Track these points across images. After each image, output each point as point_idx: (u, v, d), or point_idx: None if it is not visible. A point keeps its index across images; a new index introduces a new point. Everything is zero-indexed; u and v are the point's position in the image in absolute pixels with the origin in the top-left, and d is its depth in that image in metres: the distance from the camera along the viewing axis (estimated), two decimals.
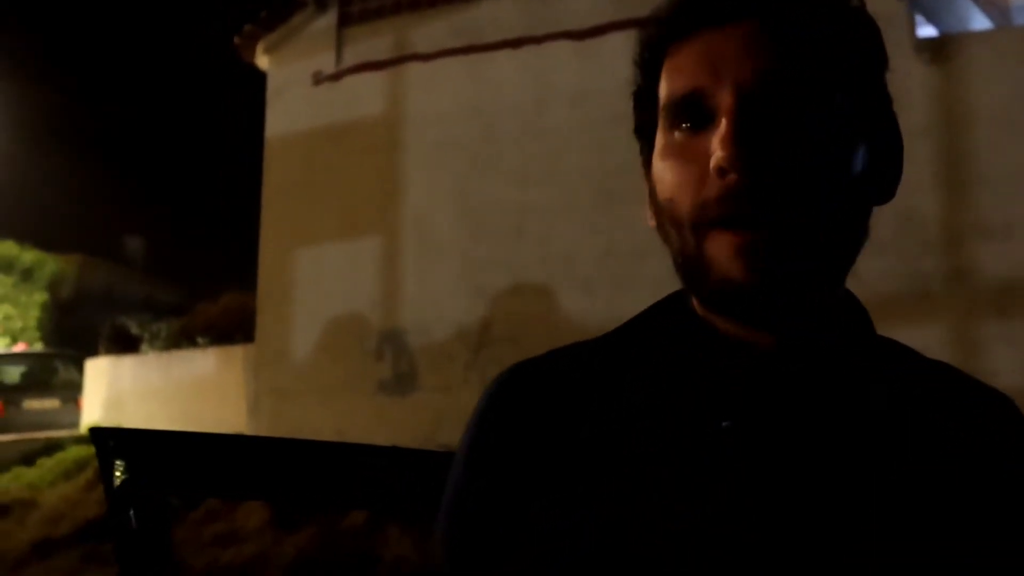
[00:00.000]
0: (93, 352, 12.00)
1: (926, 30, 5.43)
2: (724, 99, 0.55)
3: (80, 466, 7.89)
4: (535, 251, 5.82)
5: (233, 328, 9.23)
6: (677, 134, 0.58)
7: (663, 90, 0.60)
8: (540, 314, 5.62)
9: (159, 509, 0.74)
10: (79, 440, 10.05)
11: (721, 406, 0.57)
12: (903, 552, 0.54)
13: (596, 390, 0.61)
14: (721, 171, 0.54)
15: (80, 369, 12.36)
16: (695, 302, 0.63)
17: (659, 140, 0.61)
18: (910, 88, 4.99)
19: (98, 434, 0.75)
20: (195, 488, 0.83)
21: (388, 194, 6.49)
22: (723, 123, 0.54)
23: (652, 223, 0.63)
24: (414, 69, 6.51)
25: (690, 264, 0.58)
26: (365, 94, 6.74)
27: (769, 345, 0.58)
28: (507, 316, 5.85)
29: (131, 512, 0.72)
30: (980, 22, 6.25)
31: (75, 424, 11.75)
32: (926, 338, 4.73)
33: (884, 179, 0.62)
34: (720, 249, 0.55)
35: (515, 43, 6.13)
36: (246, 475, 0.79)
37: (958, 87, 4.91)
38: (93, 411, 11.00)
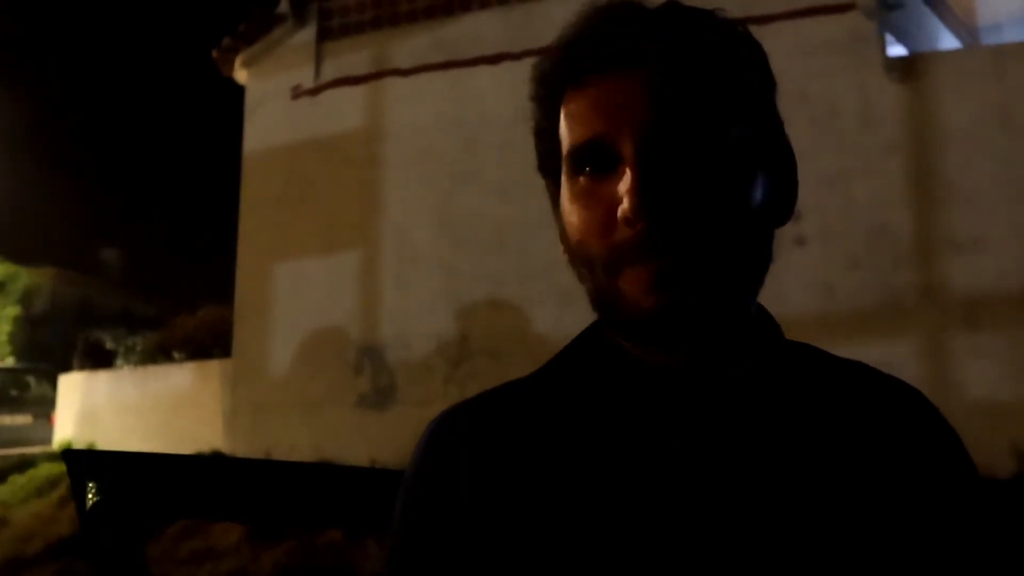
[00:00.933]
0: (67, 367, 11.84)
1: (896, 49, 5.55)
2: (625, 148, 0.57)
3: (52, 483, 7.77)
4: (515, 264, 5.84)
5: (210, 342, 9.15)
6: (582, 179, 0.60)
7: (564, 137, 0.62)
8: (519, 328, 5.64)
9: (133, 530, 0.74)
10: (51, 457, 9.89)
11: (655, 430, 0.60)
12: (832, 552, 0.57)
13: (531, 430, 0.63)
14: (629, 222, 0.56)
15: (53, 384, 12.18)
16: (613, 334, 0.65)
17: (564, 183, 0.62)
18: (880, 106, 5.09)
19: (71, 456, 0.74)
20: (169, 510, 0.81)
21: (367, 207, 6.50)
22: (627, 174, 0.57)
23: (565, 257, 0.66)
24: (394, 83, 6.54)
25: (605, 299, 0.61)
26: (344, 108, 6.74)
27: (685, 367, 0.62)
28: (486, 329, 5.86)
29: (105, 533, 0.72)
30: (949, 42, 6.39)
31: (48, 441, 11.56)
32: (898, 351, 4.81)
33: (781, 202, 0.64)
34: (632, 283, 0.58)
35: (495, 58, 6.18)
36: (220, 496, 0.80)
37: (928, 105, 5.01)
38: (66, 427, 10.83)
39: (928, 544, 0.59)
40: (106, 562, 0.72)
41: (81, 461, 0.74)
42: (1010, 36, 6.38)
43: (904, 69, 5.10)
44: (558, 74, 0.63)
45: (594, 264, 0.60)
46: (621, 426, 0.61)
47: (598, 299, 0.62)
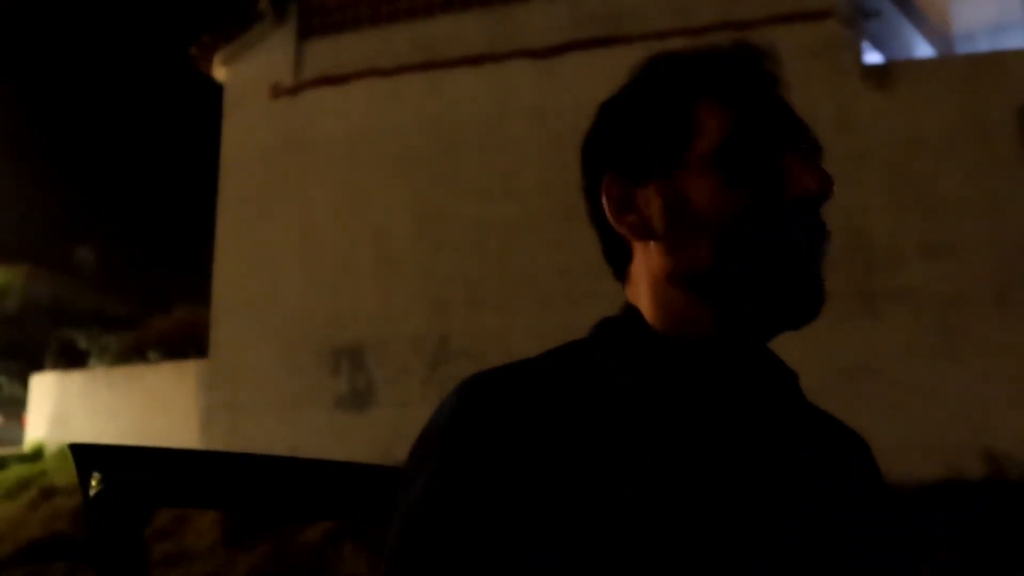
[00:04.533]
0: (39, 367, 11.66)
1: (872, 57, 5.62)
2: (787, 145, 0.73)
3: (23, 485, 7.66)
4: (494, 267, 5.84)
5: (186, 342, 9.06)
6: (737, 152, 0.69)
7: (718, 123, 0.69)
8: (498, 330, 5.64)
9: (135, 520, 0.78)
10: (23, 459, 9.75)
11: (706, 415, 0.65)
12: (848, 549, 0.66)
13: (574, 408, 0.63)
14: (807, 191, 0.68)
15: (25, 384, 12.00)
16: (660, 309, 0.69)
17: (713, 160, 0.68)
18: (857, 112, 5.15)
19: (77, 449, 0.79)
20: (171, 501, 0.88)
21: (346, 208, 6.47)
22: (801, 159, 0.71)
23: (637, 236, 0.70)
24: (374, 84, 6.51)
25: (737, 268, 0.66)
26: (324, 108, 6.71)
27: (727, 357, 0.68)
28: (465, 332, 5.86)
29: (108, 524, 0.77)
30: (924, 50, 6.49)
31: (18, 442, 11.40)
32: (874, 355, 4.87)
33: None
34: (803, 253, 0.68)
35: (475, 60, 6.18)
36: (220, 488, 0.84)
37: (903, 112, 5.08)
38: (38, 428, 10.68)
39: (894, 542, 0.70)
40: (108, 550, 0.76)
41: (87, 453, 0.79)
42: (983, 45, 6.49)
43: (880, 76, 5.17)
44: (706, 79, 0.71)
45: (742, 241, 0.67)
46: (677, 405, 0.65)
47: (723, 270, 0.66)
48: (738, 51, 0.73)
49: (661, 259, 0.68)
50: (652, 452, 0.61)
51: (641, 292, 0.70)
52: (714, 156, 0.68)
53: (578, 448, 0.61)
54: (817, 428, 0.72)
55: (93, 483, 0.77)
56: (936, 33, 6.62)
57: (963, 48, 6.76)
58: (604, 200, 0.71)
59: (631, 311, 0.71)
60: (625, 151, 0.71)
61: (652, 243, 0.69)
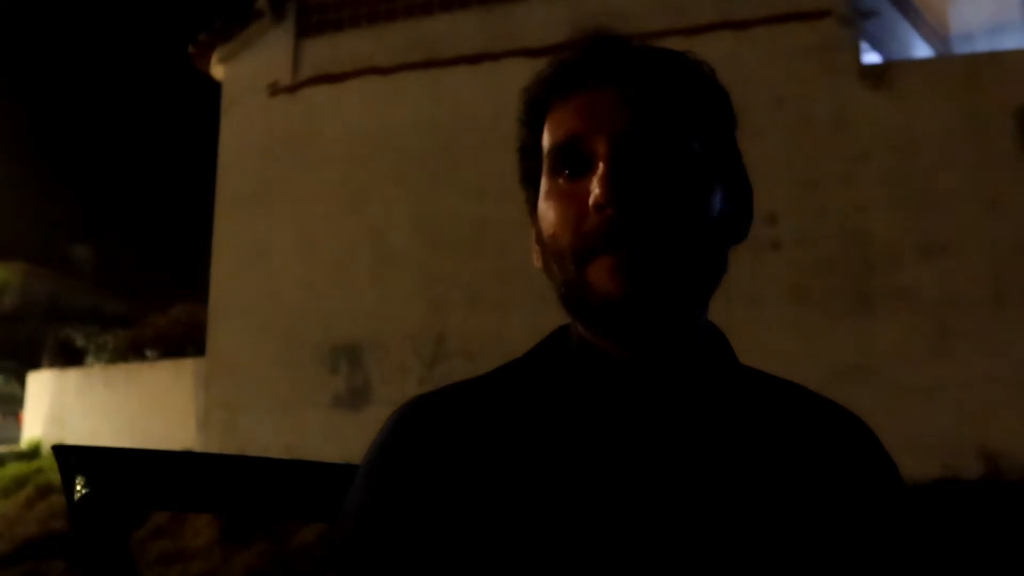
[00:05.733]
0: (36, 364, 11.65)
1: (870, 56, 5.62)
2: (599, 147, 0.65)
3: (20, 483, 7.64)
4: (491, 266, 5.84)
5: (183, 341, 9.06)
6: (560, 180, 0.67)
7: (546, 140, 0.69)
8: (495, 329, 5.64)
9: (121, 523, 0.77)
10: (19, 456, 9.74)
11: (618, 422, 0.65)
12: (764, 556, 0.61)
13: (495, 423, 0.66)
14: (599, 207, 0.62)
15: (22, 382, 11.98)
16: (579, 330, 0.70)
17: (543, 185, 0.69)
18: (854, 112, 5.15)
19: (61, 451, 0.78)
20: (157, 504, 0.86)
21: (344, 207, 6.46)
22: (600, 166, 0.64)
23: (538, 264, 0.72)
24: (372, 82, 6.51)
25: (573, 291, 0.66)
26: (322, 106, 6.70)
27: (647, 363, 0.67)
28: (462, 331, 5.86)
29: (93, 526, 0.76)
30: (922, 50, 6.49)
31: (15, 440, 11.38)
32: (871, 354, 4.87)
33: (737, 222, 0.71)
34: (600, 272, 0.63)
35: (473, 59, 6.17)
36: (208, 491, 0.84)
37: (900, 112, 5.08)
38: (35, 426, 10.67)
39: (855, 556, 0.64)
40: (94, 554, 0.76)
41: (71, 456, 0.78)
42: (981, 46, 6.50)
43: (878, 76, 5.17)
44: (546, 89, 0.71)
45: (564, 256, 0.66)
46: (585, 419, 0.66)
47: (566, 292, 0.67)
48: (588, 50, 0.70)
49: None
50: (541, 465, 0.63)
51: None
52: (544, 174, 0.69)
53: (490, 464, 0.64)
54: (747, 440, 0.66)
55: (78, 486, 0.75)
56: (934, 33, 6.63)
57: (961, 48, 6.77)
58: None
59: (562, 327, 0.74)
60: (522, 166, 0.73)
61: None
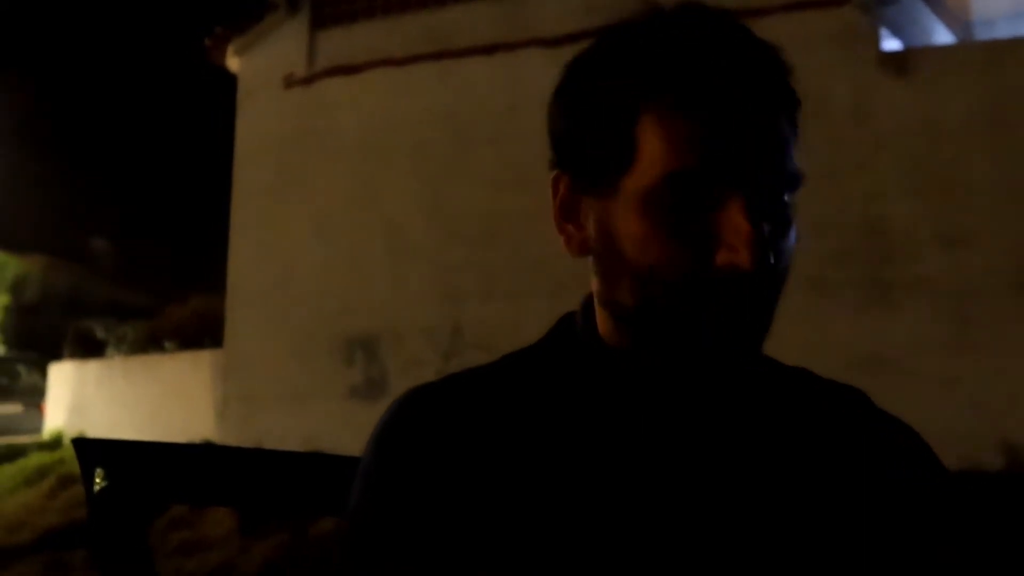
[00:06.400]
0: (57, 356, 11.79)
1: (891, 43, 5.55)
2: (737, 196, 0.57)
3: (42, 473, 7.75)
4: (507, 257, 5.83)
5: (202, 332, 9.13)
6: (674, 210, 0.58)
7: (657, 149, 0.58)
8: (511, 320, 5.64)
9: (138, 515, 0.77)
10: (42, 446, 9.87)
11: (635, 420, 0.62)
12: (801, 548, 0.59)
13: (503, 418, 0.63)
14: (735, 268, 0.57)
15: (43, 373, 12.14)
16: (596, 324, 0.66)
17: (644, 199, 0.59)
18: (874, 100, 5.09)
19: (80, 444, 0.78)
20: (175, 497, 0.87)
21: (360, 198, 6.47)
22: (744, 227, 0.56)
23: (576, 254, 0.66)
24: (387, 73, 6.50)
25: (653, 319, 0.60)
26: (337, 98, 6.71)
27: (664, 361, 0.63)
28: (478, 322, 5.86)
29: (111, 519, 0.76)
30: (943, 36, 6.40)
31: (38, 430, 11.53)
32: (890, 345, 4.82)
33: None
34: (701, 318, 0.59)
35: (488, 49, 6.15)
36: (225, 485, 0.83)
37: (921, 99, 5.02)
38: (56, 417, 10.80)
39: (897, 537, 0.62)
40: (112, 547, 0.76)
41: (90, 449, 0.78)
42: (1003, 32, 6.39)
43: (898, 63, 5.10)
44: (653, 76, 0.59)
45: (658, 285, 0.59)
46: (596, 410, 0.63)
47: (641, 316, 0.61)
48: (694, 34, 0.59)
49: (595, 278, 0.65)
50: (560, 459, 0.60)
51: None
52: (646, 195, 0.58)
53: (493, 457, 0.61)
54: (764, 428, 0.63)
55: (97, 479, 0.76)
56: (955, 19, 6.53)
57: (983, 34, 6.67)
58: (552, 198, 0.68)
59: (567, 318, 0.70)
60: (570, 153, 0.66)
61: (589, 259, 0.66)
